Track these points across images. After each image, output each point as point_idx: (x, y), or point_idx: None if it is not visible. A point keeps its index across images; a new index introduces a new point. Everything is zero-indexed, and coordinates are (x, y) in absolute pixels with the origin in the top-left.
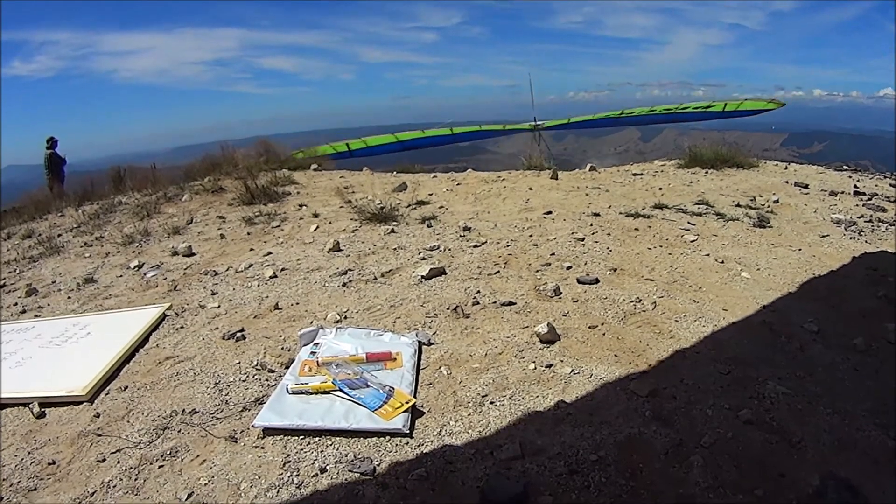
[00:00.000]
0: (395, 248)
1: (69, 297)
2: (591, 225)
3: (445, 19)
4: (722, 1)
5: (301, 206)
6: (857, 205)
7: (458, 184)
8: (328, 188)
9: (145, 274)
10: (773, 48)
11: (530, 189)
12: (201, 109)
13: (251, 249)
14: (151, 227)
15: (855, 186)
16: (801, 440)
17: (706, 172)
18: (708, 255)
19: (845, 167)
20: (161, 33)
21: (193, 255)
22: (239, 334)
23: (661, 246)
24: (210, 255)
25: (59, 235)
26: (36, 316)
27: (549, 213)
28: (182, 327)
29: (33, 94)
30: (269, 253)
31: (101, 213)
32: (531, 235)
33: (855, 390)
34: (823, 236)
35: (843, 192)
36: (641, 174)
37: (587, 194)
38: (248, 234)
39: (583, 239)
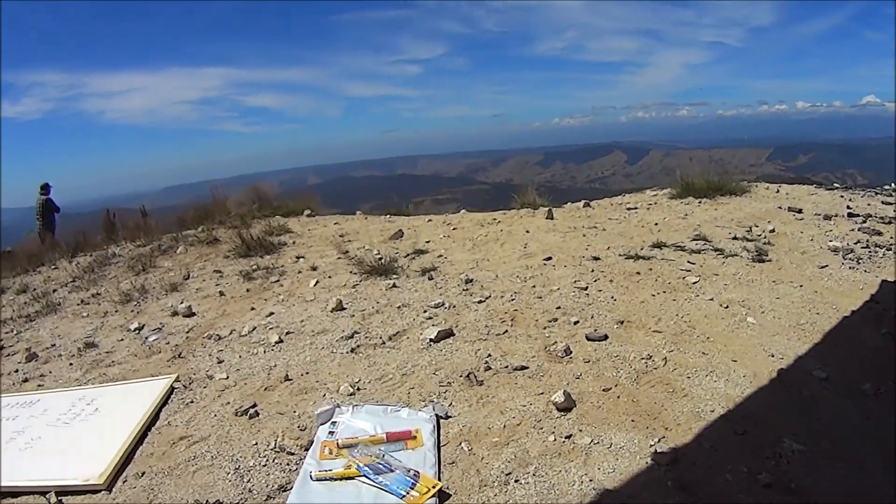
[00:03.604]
0: (399, 307)
1: (71, 364)
2: (593, 271)
3: (429, 51)
4: (700, 20)
5: (298, 257)
6: (853, 229)
7: (454, 228)
8: (323, 236)
9: (147, 338)
10: (755, 63)
11: (527, 232)
12: (189, 149)
13: (252, 308)
14: (148, 284)
15: (848, 207)
16: (817, 501)
17: (699, 202)
18: (712, 299)
19: (836, 185)
20: (147, 73)
21: (194, 314)
22: (252, 410)
23: (664, 291)
24: (211, 316)
25: (55, 291)
26: (39, 386)
27: (549, 258)
28: (192, 402)
29: (21, 137)
30: (272, 313)
31: (95, 266)
32: (534, 286)
33: (867, 441)
34: (822, 267)
35: (836, 216)
36: (636, 208)
37: (584, 235)
38: (248, 290)
39: (586, 288)
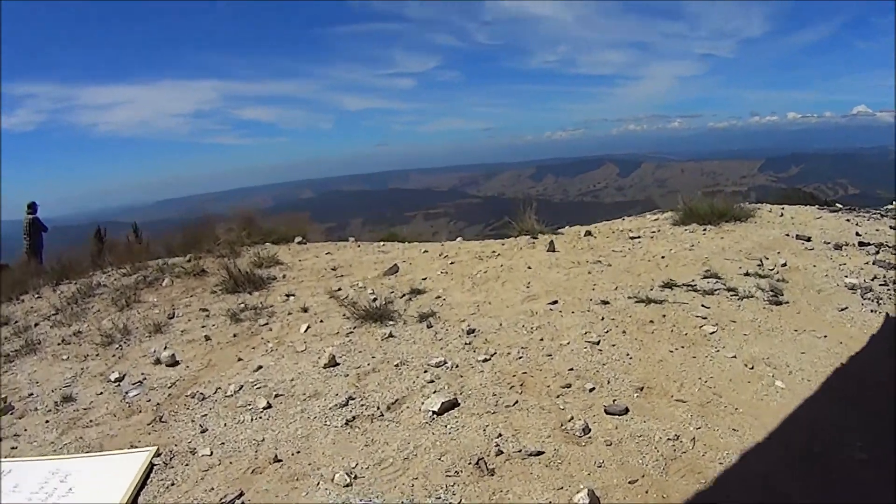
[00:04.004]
0: (396, 364)
1: (47, 422)
2: (603, 319)
3: (422, 64)
4: (692, 32)
5: (289, 296)
6: (867, 263)
7: (451, 262)
8: (315, 269)
9: (127, 393)
10: (746, 75)
11: (529, 268)
12: (182, 161)
13: (239, 359)
14: (131, 323)
15: (857, 234)
16: None
17: (704, 230)
18: (735, 356)
19: (839, 205)
20: (140, 86)
21: (178, 363)
22: (238, 502)
23: (682, 346)
24: (195, 367)
25: (36, 325)
26: (13, 448)
27: (555, 302)
28: (173, 484)
29: (16, 148)
30: (260, 367)
31: (78, 297)
32: (542, 339)
33: None
34: (842, 309)
35: (847, 244)
36: (639, 237)
37: (590, 272)
38: (234, 335)
39: (598, 342)
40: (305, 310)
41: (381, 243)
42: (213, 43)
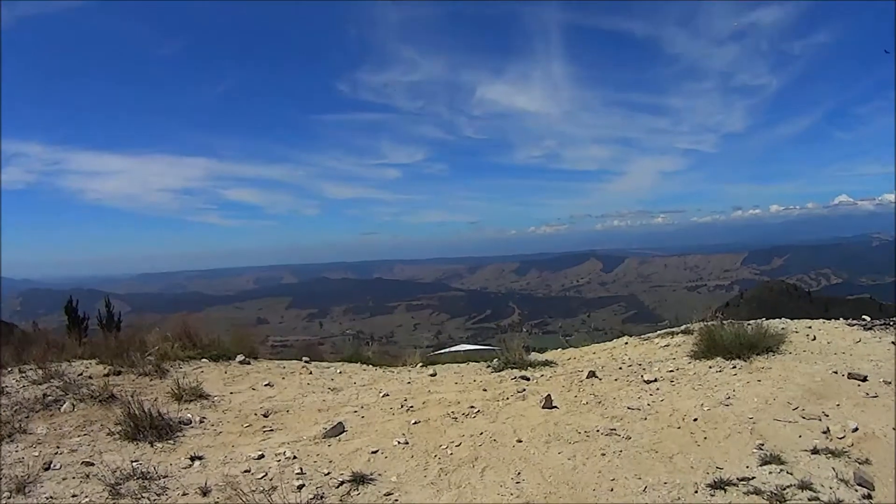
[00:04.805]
0: None
1: None
2: None
3: (408, 156)
4: (675, 128)
5: (194, 459)
6: None
7: (415, 422)
8: (242, 414)
9: None
10: (729, 169)
11: (519, 441)
12: (167, 237)
13: None
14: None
15: None
16: None
17: (734, 368)
18: None
19: (865, 317)
20: (129, 156)
21: None
22: None
23: None
24: None
25: None
26: None
27: None
28: None
29: (4, 206)
30: None
31: None
32: None
33: None
34: None
35: None
36: (655, 380)
37: (603, 453)
38: None
39: None
40: (206, 492)
41: (340, 366)
42: (204, 121)
